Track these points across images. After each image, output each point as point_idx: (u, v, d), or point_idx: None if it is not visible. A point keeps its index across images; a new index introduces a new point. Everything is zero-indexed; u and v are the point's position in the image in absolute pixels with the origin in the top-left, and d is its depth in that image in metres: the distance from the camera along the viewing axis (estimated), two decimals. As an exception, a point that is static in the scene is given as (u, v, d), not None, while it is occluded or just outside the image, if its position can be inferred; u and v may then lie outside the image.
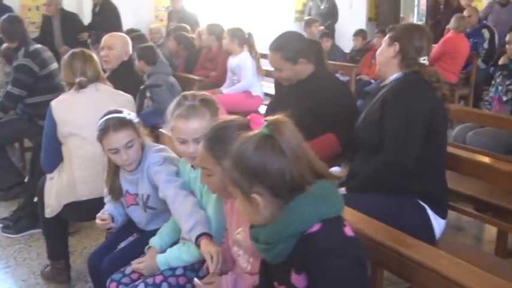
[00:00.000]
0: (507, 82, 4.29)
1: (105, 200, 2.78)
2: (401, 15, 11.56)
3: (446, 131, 2.79)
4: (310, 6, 10.01)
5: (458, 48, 6.84)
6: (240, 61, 5.63)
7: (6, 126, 4.75)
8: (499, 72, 4.43)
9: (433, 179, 2.66)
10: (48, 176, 3.28)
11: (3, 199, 4.80)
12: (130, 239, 2.76)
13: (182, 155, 2.41)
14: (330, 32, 8.48)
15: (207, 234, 2.20)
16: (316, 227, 1.53)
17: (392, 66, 2.75)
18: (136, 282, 2.34)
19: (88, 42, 7.63)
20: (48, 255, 3.47)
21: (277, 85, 3.64)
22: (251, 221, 1.71)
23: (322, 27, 8.66)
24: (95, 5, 7.94)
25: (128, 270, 2.46)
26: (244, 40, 5.67)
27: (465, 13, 7.47)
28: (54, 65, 4.79)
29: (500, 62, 4.55)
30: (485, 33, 7.44)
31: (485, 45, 7.39)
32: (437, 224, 2.63)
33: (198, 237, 2.19)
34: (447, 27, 7.39)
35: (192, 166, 2.40)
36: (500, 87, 4.33)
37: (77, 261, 3.67)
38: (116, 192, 2.69)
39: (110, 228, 2.75)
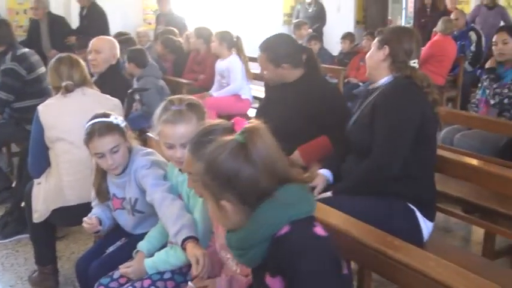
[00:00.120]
0: (494, 85, 4.30)
1: (93, 203, 2.77)
2: (389, 18, 11.64)
3: (436, 135, 2.80)
4: (298, 9, 10.04)
5: (445, 50, 6.88)
6: (229, 64, 5.64)
7: (-7, 130, 4.72)
8: (486, 76, 4.44)
9: (422, 182, 2.67)
10: (36, 181, 3.27)
11: (-10, 204, 4.77)
12: (118, 243, 2.74)
13: (170, 159, 2.40)
14: (318, 35, 8.50)
15: (193, 238, 2.20)
16: (285, 229, 1.54)
17: (382, 70, 2.75)
18: (124, 287, 2.33)
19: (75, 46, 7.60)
20: (35, 261, 3.45)
21: (268, 87, 3.65)
22: (222, 225, 1.72)
23: (310, 30, 8.69)
24: (82, 9, 7.88)
25: (116, 274, 2.45)
26: (233, 43, 5.68)
27: (452, 16, 7.51)
28: (42, 69, 4.76)
29: (487, 65, 4.54)
30: (473, 36, 7.49)
31: (473, 47, 7.43)
32: (426, 226, 2.64)
33: (184, 240, 2.19)
34: (434, 30, 7.44)
35: (180, 170, 2.40)
36: (488, 91, 4.35)
37: (64, 266, 3.65)
38: (103, 195, 2.69)
39: (98, 232, 2.74)
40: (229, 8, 9.87)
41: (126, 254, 2.53)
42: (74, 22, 8.03)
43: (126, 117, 3.76)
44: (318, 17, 9.65)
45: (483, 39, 7.48)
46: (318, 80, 3.34)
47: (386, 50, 2.71)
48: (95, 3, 7.78)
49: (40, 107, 3.19)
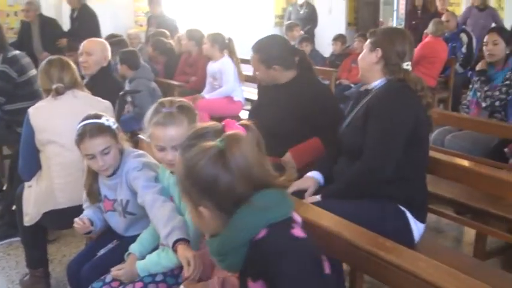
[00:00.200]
0: (485, 88, 4.31)
1: (84, 205, 2.77)
2: (381, 20, 11.68)
3: (428, 137, 2.80)
4: (290, 11, 10.06)
5: (437, 52, 6.91)
6: (222, 66, 5.64)
7: (-17, 133, 4.70)
8: (477, 78, 4.45)
9: (414, 184, 2.67)
10: (27, 184, 3.25)
11: (-19, 208, 4.74)
12: (110, 246, 2.74)
13: (161, 162, 2.40)
14: (309, 37, 8.53)
15: (184, 240, 2.19)
16: (262, 233, 1.54)
17: (375, 72, 2.75)
18: (117, 290, 2.33)
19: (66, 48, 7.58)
20: (27, 264, 3.43)
21: (261, 89, 3.66)
22: (201, 230, 1.72)
23: (301, 32, 8.71)
24: (72, 11, 7.85)
25: (108, 278, 2.43)
26: (225, 45, 5.68)
27: (443, 18, 7.54)
28: (33, 72, 4.74)
29: (478, 67, 4.55)
30: (463, 37, 7.52)
31: (464, 49, 7.46)
32: (417, 228, 2.64)
33: (175, 242, 2.18)
34: (425, 31, 7.47)
35: (171, 172, 2.40)
36: (479, 93, 4.36)
37: (56, 269, 3.64)
38: (94, 196, 2.68)
39: (89, 233, 2.73)
40: (220, 10, 9.87)
41: (118, 256, 2.52)
42: (65, 24, 8.02)
43: (118, 119, 3.75)
44: (310, 19, 9.67)
45: (474, 41, 7.51)
46: (311, 82, 3.34)
47: (379, 52, 2.70)
48: (85, 5, 7.76)
49: (30, 110, 3.17)
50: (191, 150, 1.62)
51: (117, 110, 4.13)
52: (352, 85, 6.97)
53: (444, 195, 3.35)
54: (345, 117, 2.91)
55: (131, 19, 9.00)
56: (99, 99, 3.36)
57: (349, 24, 11.19)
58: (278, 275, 1.49)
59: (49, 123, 3.12)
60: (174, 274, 2.33)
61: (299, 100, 3.15)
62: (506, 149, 3.85)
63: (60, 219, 3.10)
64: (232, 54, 5.68)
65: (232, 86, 5.61)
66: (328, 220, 2.15)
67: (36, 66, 4.62)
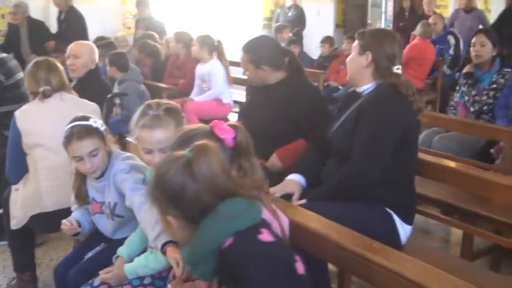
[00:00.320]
0: (473, 92, 4.34)
1: (72, 208, 2.75)
2: (369, 22, 11.73)
3: (417, 141, 2.79)
4: (278, 13, 10.07)
5: (424, 54, 6.96)
6: (211, 68, 5.63)
7: (-30, 136, 4.66)
8: (464, 81, 4.47)
9: (402, 188, 2.67)
10: (14, 187, 3.24)
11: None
12: (98, 248, 2.73)
13: (148, 164, 2.39)
14: (297, 39, 8.54)
15: (173, 242, 2.18)
16: (228, 241, 1.56)
17: (365, 76, 2.72)
18: (105, 293, 2.32)
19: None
20: (14, 268, 3.41)
21: (251, 90, 3.67)
22: (173, 238, 1.75)
23: (290, 34, 8.72)
24: (60, 13, 7.80)
25: (96, 282, 2.42)
26: (214, 47, 5.67)
27: (430, 20, 7.59)
28: (20, 74, 4.69)
29: (465, 70, 4.57)
30: (451, 39, 7.57)
31: (451, 51, 7.51)
32: (403, 230, 2.65)
33: (164, 244, 2.17)
34: (412, 33, 7.52)
35: (159, 174, 2.39)
36: (466, 98, 4.38)
37: (44, 273, 3.61)
38: (82, 198, 2.68)
39: (77, 234, 2.72)
40: (209, 12, 9.87)
41: (106, 259, 2.51)
42: (53, 27, 7.97)
43: (106, 121, 3.73)
44: (298, 21, 9.69)
45: (461, 42, 7.56)
46: (301, 83, 3.35)
47: (369, 56, 2.67)
48: (73, 8, 7.72)
49: (17, 113, 3.16)
50: (163, 159, 1.67)
51: (104, 112, 4.12)
52: (341, 87, 7.00)
53: (431, 196, 3.37)
54: (334, 120, 2.89)
55: (119, 21, 8.96)
56: (87, 101, 3.34)
57: (337, 26, 11.21)
58: (247, 281, 1.51)
59: (36, 126, 3.10)
60: (162, 276, 2.33)
61: (289, 102, 3.15)
62: (492, 150, 3.88)
63: (48, 222, 3.09)
64: (221, 56, 5.67)
65: (221, 89, 5.60)
66: (316, 222, 2.16)
67: (24, 69, 4.61)
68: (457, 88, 4.64)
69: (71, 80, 3.94)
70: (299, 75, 3.39)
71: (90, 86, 4.10)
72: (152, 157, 2.25)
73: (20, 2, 7.61)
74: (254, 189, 1.72)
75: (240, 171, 1.92)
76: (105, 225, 2.68)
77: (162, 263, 2.26)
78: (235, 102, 5.97)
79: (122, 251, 2.46)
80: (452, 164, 3.00)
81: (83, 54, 4.20)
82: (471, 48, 4.43)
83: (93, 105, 3.34)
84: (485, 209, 3.15)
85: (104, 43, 5.92)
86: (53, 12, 8.04)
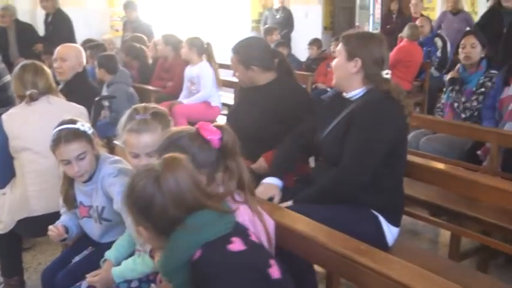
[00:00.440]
0: (463, 99, 4.34)
1: (61, 211, 2.74)
2: (357, 24, 11.77)
3: (406, 144, 2.77)
4: (266, 15, 10.08)
5: (412, 56, 6.98)
6: (200, 70, 5.62)
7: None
8: (450, 87, 4.48)
9: (391, 191, 2.67)
10: (1, 191, 3.21)
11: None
12: (85, 252, 2.72)
13: (136, 168, 2.38)
14: (285, 41, 8.55)
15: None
16: (198, 253, 1.57)
17: (353, 82, 2.69)
18: (92, 297, 2.31)
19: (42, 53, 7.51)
20: (1, 273, 3.39)
21: (240, 91, 3.67)
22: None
23: (279, 36, 8.73)
24: (47, 15, 7.75)
25: (84, 285, 2.42)
26: (203, 49, 5.66)
27: (418, 23, 7.62)
28: (7, 78, 4.69)
29: (449, 75, 4.56)
30: (438, 42, 7.61)
31: (438, 53, 7.55)
32: (390, 232, 2.65)
33: (152, 248, 2.17)
34: (400, 35, 7.55)
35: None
36: (456, 104, 4.39)
37: (32, 278, 3.59)
38: (70, 202, 2.67)
39: (65, 240, 2.71)
40: (197, 14, 9.86)
41: (93, 263, 2.50)
42: (40, 29, 7.93)
43: (94, 125, 3.72)
44: (286, 23, 9.71)
45: (448, 45, 7.60)
46: (290, 85, 3.36)
47: (358, 62, 2.63)
48: (60, 10, 7.67)
49: (4, 117, 3.14)
50: (138, 170, 1.68)
51: (92, 115, 4.11)
52: (329, 89, 7.00)
53: (420, 198, 3.39)
54: (323, 125, 2.82)
55: (107, 24, 8.93)
56: (74, 104, 3.33)
57: (325, 28, 11.24)
58: None
59: (23, 130, 3.08)
60: (149, 280, 2.33)
61: (278, 103, 3.16)
62: (479, 152, 3.90)
63: (35, 226, 3.07)
64: (210, 58, 5.67)
65: (210, 91, 5.60)
66: (303, 224, 2.16)
67: (12, 72, 4.58)
68: (444, 90, 4.65)
69: (58, 83, 3.92)
70: (289, 77, 3.40)
71: (78, 89, 4.08)
72: (139, 161, 2.25)
73: (8, 5, 7.59)
74: (228, 196, 1.73)
75: (226, 172, 1.92)
76: (93, 229, 2.67)
77: (150, 267, 2.26)
78: (224, 104, 5.97)
79: (109, 254, 2.46)
80: (440, 165, 3.02)
81: (70, 57, 4.18)
82: (460, 50, 4.44)
83: (81, 108, 3.33)
84: (473, 210, 3.17)
85: (93, 45, 5.91)
86: (40, 15, 7.99)
